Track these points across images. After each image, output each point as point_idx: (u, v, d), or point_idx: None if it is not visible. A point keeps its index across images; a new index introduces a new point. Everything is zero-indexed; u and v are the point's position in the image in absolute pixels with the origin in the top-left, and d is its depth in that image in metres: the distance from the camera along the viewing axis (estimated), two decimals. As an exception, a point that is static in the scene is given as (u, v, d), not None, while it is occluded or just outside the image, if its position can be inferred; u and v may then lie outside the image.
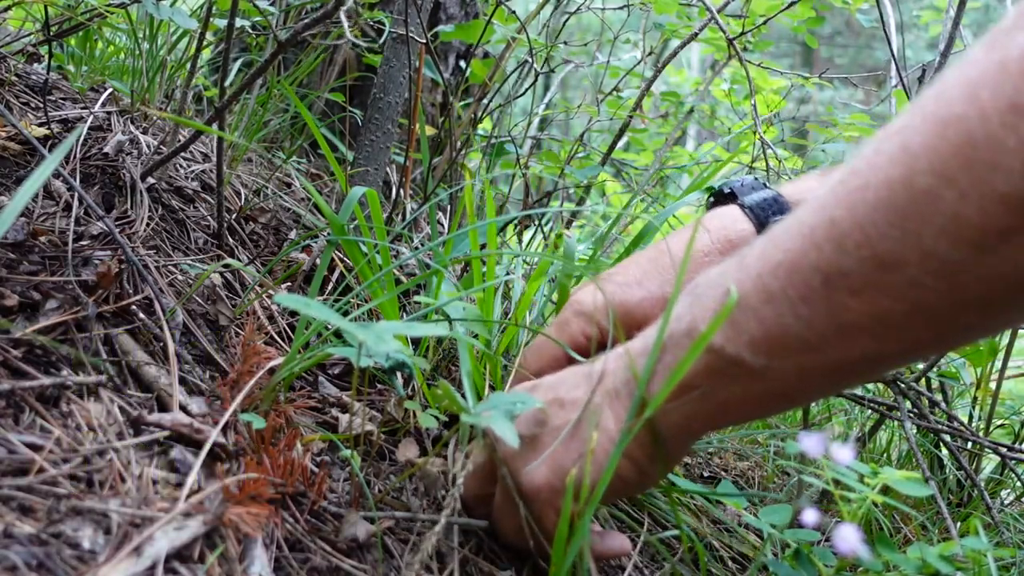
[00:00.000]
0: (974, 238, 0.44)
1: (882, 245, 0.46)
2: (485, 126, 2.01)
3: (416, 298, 0.88)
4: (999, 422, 1.40)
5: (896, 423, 1.28)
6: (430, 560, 0.67)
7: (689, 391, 0.57)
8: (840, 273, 0.48)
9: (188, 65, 1.09)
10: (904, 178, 0.46)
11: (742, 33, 1.30)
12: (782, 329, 0.51)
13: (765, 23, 1.37)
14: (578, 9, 1.53)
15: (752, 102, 1.19)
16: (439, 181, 1.28)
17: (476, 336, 0.85)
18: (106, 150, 1.01)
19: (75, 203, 0.88)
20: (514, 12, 1.22)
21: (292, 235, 1.16)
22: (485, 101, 1.50)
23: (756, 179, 0.82)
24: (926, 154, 0.45)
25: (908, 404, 1.11)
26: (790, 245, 0.51)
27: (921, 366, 1.17)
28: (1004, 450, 1.17)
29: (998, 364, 1.30)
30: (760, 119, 1.53)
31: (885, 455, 1.32)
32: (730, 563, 0.86)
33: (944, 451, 1.23)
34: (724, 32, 1.17)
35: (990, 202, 0.42)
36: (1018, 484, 1.28)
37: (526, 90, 1.52)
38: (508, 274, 1.06)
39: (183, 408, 0.71)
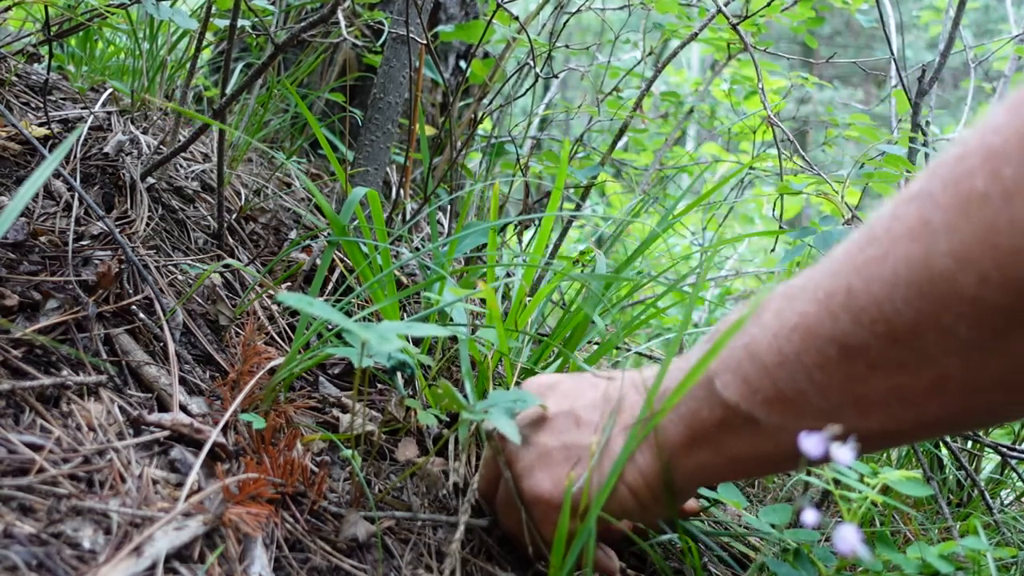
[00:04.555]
0: (995, 322, 0.42)
1: (899, 322, 0.45)
2: (485, 126, 2.01)
3: (425, 293, 0.88)
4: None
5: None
6: (430, 560, 0.67)
7: (703, 443, 0.57)
8: (857, 346, 0.47)
9: (188, 65, 1.09)
10: (923, 257, 0.44)
11: (746, 17, 1.29)
12: (796, 394, 0.50)
13: (769, 4, 1.36)
14: (579, 10, 1.53)
15: (760, 86, 1.19)
16: (439, 181, 1.28)
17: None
18: (106, 150, 1.01)
19: (75, 203, 0.88)
20: (516, 17, 1.22)
21: (292, 235, 1.16)
22: (485, 101, 1.50)
23: None
24: (947, 233, 0.43)
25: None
26: (805, 308, 0.50)
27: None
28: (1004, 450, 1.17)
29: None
30: (762, 117, 1.53)
31: (885, 455, 1.32)
32: (730, 563, 0.86)
33: (944, 451, 1.23)
34: (729, 20, 1.17)
35: (1013, 287, 0.41)
36: (1019, 484, 1.28)
37: (526, 91, 1.52)
38: (508, 276, 1.06)
39: (183, 408, 0.71)
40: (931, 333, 0.44)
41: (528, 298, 0.96)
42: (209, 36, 1.61)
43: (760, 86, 1.19)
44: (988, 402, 0.47)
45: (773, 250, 1.52)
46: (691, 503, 0.73)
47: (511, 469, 0.65)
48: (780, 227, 1.54)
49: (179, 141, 1.06)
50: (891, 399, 0.48)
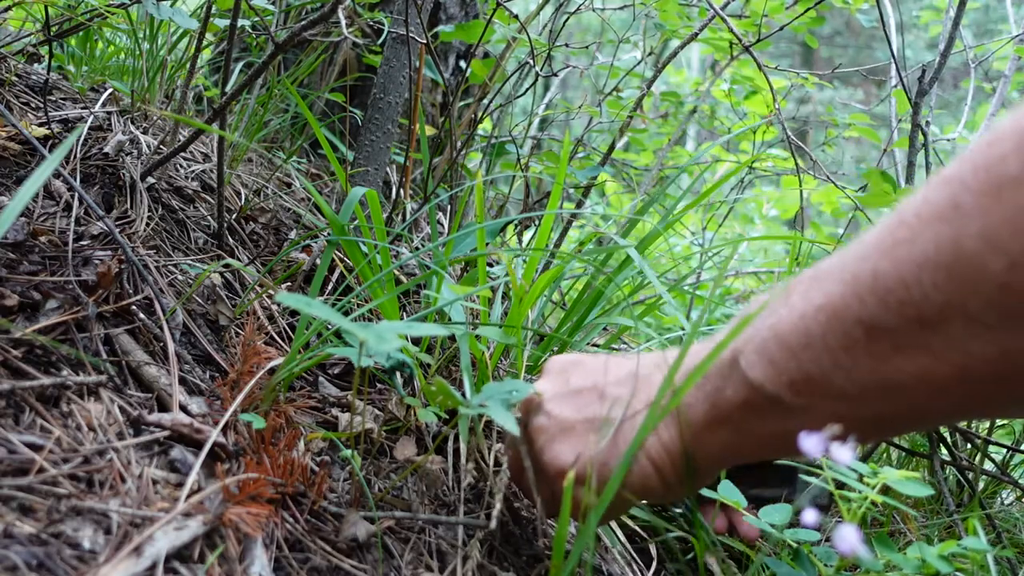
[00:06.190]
0: (1023, 310, 0.41)
1: (927, 305, 0.44)
2: (485, 126, 2.01)
3: (424, 291, 0.88)
4: (1000, 422, 1.40)
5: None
6: (431, 559, 0.67)
7: (726, 422, 0.57)
8: (883, 328, 0.47)
9: (188, 65, 1.09)
10: (953, 239, 0.43)
11: (760, 39, 1.30)
12: (822, 376, 0.50)
13: (781, 28, 1.37)
14: (578, 9, 1.53)
15: (775, 101, 1.19)
16: (439, 181, 1.28)
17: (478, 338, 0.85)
18: (106, 150, 1.01)
19: (75, 203, 0.88)
20: (515, 15, 1.22)
21: (292, 235, 1.16)
22: (485, 101, 1.50)
23: None
24: (978, 216, 0.42)
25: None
26: (832, 289, 0.50)
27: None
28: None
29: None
30: (765, 118, 1.53)
31: (884, 454, 1.32)
32: (730, 563, 0.86)
33: (943, 450, 1.23)
34: (739, 39, 1.17)
35: None
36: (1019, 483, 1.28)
37: (526, 90, 1.52)
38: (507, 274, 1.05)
39: (183, 408, 0.71)
40: (958, 318, 0.44)
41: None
42: (209, 36, 1.61)
43: (774, 98, 1.19)
44: (1015, 391, 0.46)
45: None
46: (750, 530, 0.73)
47: (535, 443, 0.66)
48: (794, 229, 1.53)
49: (179, 141, 1.06)
50: (917, 383, 0.48)
